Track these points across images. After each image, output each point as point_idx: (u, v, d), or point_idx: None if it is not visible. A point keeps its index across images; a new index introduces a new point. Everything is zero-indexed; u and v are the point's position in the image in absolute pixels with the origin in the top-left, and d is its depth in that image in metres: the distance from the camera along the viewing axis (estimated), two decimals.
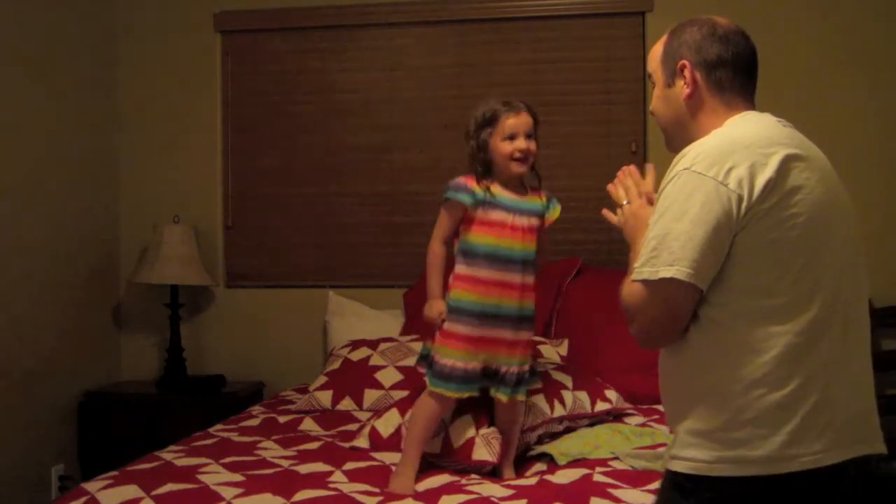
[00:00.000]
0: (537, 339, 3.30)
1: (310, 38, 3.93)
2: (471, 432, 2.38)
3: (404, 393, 2.82)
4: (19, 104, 3.30)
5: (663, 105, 1.68)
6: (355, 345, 3.34)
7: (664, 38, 1.68)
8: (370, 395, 3.09)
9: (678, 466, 1.47)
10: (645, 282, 1.46)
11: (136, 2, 3.97)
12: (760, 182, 1.41)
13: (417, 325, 3.51)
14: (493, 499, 2.04)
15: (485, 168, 2.38)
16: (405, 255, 3.83)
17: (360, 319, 3.69)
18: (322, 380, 3.21)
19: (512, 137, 2.35)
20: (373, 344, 3.31)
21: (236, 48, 3.97)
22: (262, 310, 3.92)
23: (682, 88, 1.62)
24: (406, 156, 3.87)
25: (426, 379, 2.33)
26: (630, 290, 1.51)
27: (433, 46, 3.87)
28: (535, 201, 2.44)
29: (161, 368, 3.84)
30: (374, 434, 2.57)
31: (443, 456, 2.38)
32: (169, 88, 3.96)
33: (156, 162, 3.96)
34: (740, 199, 1.40)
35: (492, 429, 2.40)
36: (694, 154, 1.46)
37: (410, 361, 3.15)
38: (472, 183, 2.37)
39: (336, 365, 3.26)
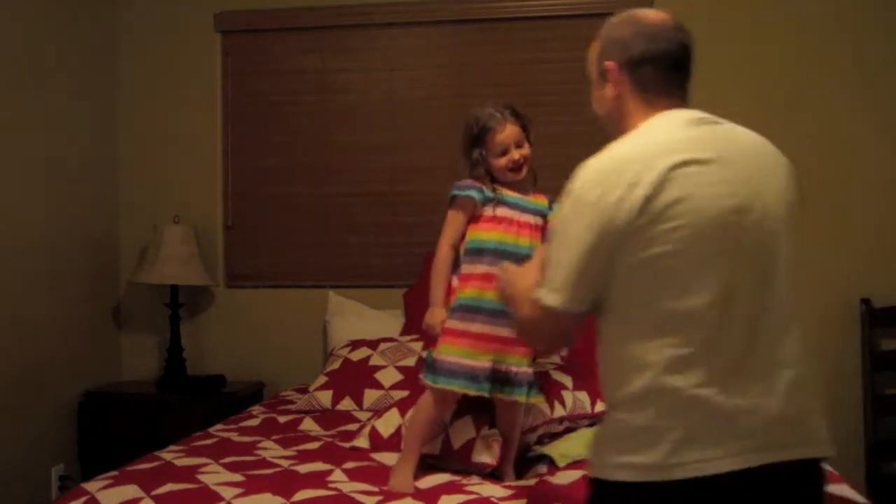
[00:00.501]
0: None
1: (310, 38, 3.93)
2: (471, 434, 2.38)
3: (404, 393, 2.83)
4: (19, 104, 3.30)
5: (597, 106, 1.68)
6: (355, 345, 3.34)
7: (597, 38, 1.69)
8: (370, 395, 3.09)
9: (588, 471, 1.51)
10: (532, 302, 1.52)
11: (136, 2, 3.97)
12: (636, 200, 1.40)
13: (418, 326, 3.52)
14: (492, 499, 2.04)
15: (487, 175, 2.43)
16: (405, 255, 3.83)
17: (360, 319, 3.69)
18: (322, 380, 3.21)
19: (504, 152, 2.39)
20: (373, 344, 3.31)
21: (236, 48, 3.97)
22: (262, 310, 3.92)
23: (609, 89, 1.62)
24: (406, 156, 3.87)
25: (427, 380, 2.33)
26: (522, 308, 1.57)
27: (433, 46, 3.87)
28: (539, 202, 2.46)
29: (161, 368, 3.84)
30: (374, 434, 2.57)
31: (442, 458, 2.38)
32: (169, 88, 3.96)
33: (156, 162, 3.96)
34: (614, 219, 1.41)
35: (492, 430, 2.40)
36: (580, 176, 1.50)
37: (410, 361, 3.16)
38: (478, 182, 2.41)
39: (336, 365, 3.26)
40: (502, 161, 2.39)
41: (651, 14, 1.62)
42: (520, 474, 2.38)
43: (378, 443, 2.54)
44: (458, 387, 2.29)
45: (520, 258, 2.29)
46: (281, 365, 3.85)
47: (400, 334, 3.51)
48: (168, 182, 3.95)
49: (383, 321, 3.65)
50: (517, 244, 2.35)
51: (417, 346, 3.24)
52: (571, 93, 3.76)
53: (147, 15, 3.97)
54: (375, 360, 3.20)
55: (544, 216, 2.44)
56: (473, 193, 2.38)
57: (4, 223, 3.20)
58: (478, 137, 2.42)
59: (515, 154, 2.38)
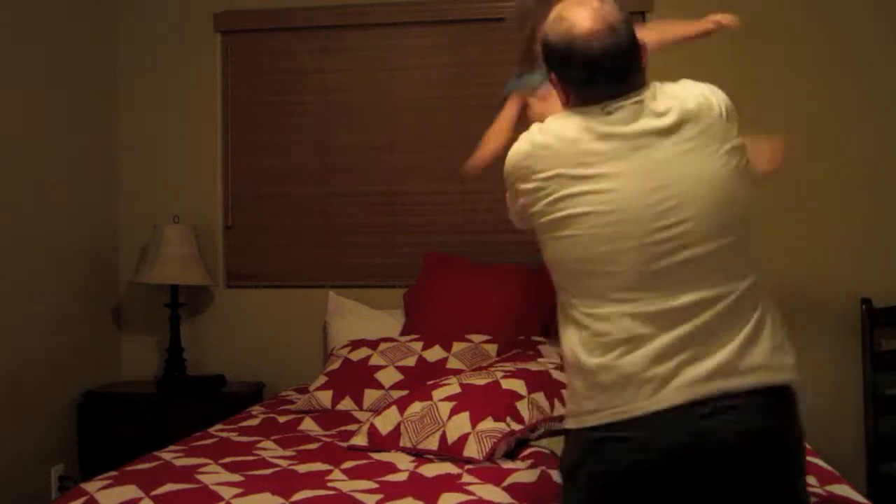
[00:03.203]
0: (537, 339, 3.31)
1: (310, 38, 3.93)
2: (466, 429, 2.41)
3: (404, 393, 2.83)
4: (19, 104, 3.30)
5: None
6: (355, 345, 3.34)
7: None
8: (370, 395, 3.09)
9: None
10: None
11: (136, 2, 3.98)
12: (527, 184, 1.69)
13: (418, 326, 3.53)
14: (493, 499, 2.04)
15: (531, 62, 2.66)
16: (405, 255, 3.84)
17: (360, 319, 3.69)
18: (322, 380, 3.21)
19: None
20: (373, 344, 3.31)
21: (236, 48, 3.98)
22: (262, 310, 3.92)
23: (562, 98, 1.73)
24: (406, 156, 3.87)
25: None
26: None
27: (433, 46, 3.87)
28: None
29: (161, 368, 3.85)
30: (372, 431, 2.57)
31: (440, 452, 2.41)
32: (169, 88, 3.96)
33: (156, 162, 3.96)
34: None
35: (488, 426, 2.41)
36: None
37: (411, 362, 3.16)
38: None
39: (336, 365, 3.26)
40: None
41: (578, 19, 1.66)
42: (518, 459, 2.40)
43: (376, 440, 2.55)
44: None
45: None
46: (281, 365, 3.85)
47: (400, 334, 3.51)
48: (168, 182, 3.95)
49: (383, 321, 3.66)
50: None
51: (418, 345, 3.24)
52: None
53: (147, 15, 3.97)
54: (375, 360, 3.20)
55: None
56: (519, 82, 2.72)
57: (4, 223, 3.21)
58: (525, 15, 2.63)
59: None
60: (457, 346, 3.21)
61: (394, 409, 2.61)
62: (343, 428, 2.84)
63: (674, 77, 1.76)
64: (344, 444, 2.60)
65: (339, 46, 3.92)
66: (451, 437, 2.41)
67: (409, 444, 2.48)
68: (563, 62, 1.65)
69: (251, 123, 3.97)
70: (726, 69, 3.51)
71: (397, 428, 2.53)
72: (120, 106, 3.97)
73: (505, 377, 2.66)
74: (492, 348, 3.21)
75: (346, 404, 3.09)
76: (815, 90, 3.58)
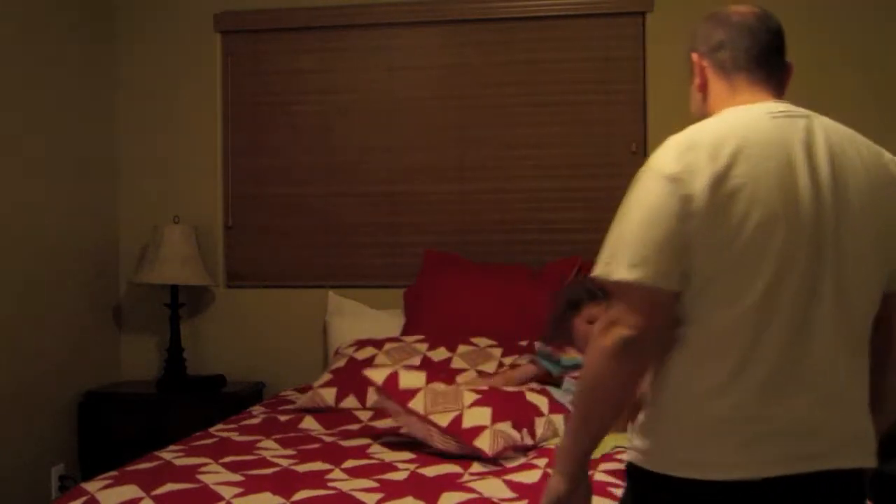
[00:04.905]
0: (539, 345, 3.30)
1: (310, 39, 3.93)
2: (485, 422, 2.42)
3: None
4: (19, 104, 3.30)
5: (692, 103, 1.67)
6: (361, 344, 3.34)
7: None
8: (374, 394, 3.08)
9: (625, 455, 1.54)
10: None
11: (136, 2, 3.98)
12: (705, 180, 1.37)
13: (418, 325, 3.53)
14: (493, 499, 2.04)
15: (566, 338, 2.86)
16: (405, 255, 3.83)
17: (360, 319, 3.69)
18: (326, 377, 3.21)
19: (591, 321, 2.70)
20: (378, 344, 3.31)
21: (236, 48, 3.97)
22: (262, 310, 3.92)
23: (695, 80, 1.62)
24: (406, 156, 3.87)
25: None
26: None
27: (433, 46, 3.87)
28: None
29: (161, 368, 3.84)
30: (391, 380, 2.58)
31: (449, 431, 2.41)
32: (169, 88, 3.96)
33: (156, 162, 3.96)
34: (689, 198, 1.37)
35: (505, 429, 2.42)
36: (656, 153, 1.46)
37: (415, 361, 3.17)
38: (557, 353, 2.85)
39: (341, 363, 3.26)
40: (588, 329, 2.69)
41: (739, 8, 1.62)
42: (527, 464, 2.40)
43: (391, 388, 2.55)
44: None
45: None
46: (281, 365, 3.85)
47: (401, 334, 3.51)
48: (168, 182, 3.95)
49: (383, 321, 3.66)
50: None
51: (423, 346, 3.25)
52: (571, 93, 3.77)
53: (147, 15, 3.97)
54: (381, 360, 3.20)
55: None
56: (551, 369, 2.84)
57: (4, 223, 3.20)
58: (573, 305, 2.85)
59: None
60: (462, 349, 3.22)
61: (422, 374, 2.63)
62: (344, 427, 2.84)
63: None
64: (344, 444, 2.60)
65: (339, 46, 3.92)
66: (467, 424, 2.41)
67: (419, 410, 2.48)
68: None
69: (251, 123, 3.97)
70: None
71: (417, 391, 2.53)
72: (120, 106, 3.97)
73: (531, 390, 2.71)
74: (496, 352, 3.21)
75: (350, 402, 3.09)
76: (817, 87, 3.57)
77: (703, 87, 1.60)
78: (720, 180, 1.37)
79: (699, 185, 1.37)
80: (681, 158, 1.40)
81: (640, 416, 1.50)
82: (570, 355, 2.82)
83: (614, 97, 3.74)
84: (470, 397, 2.53)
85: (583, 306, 2.82)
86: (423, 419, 2.47)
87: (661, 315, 1.41)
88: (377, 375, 2.62)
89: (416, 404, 2.49)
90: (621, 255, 1.42)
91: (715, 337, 1.41)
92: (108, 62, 3.93)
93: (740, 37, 1.57)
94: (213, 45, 3.97)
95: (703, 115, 1.58)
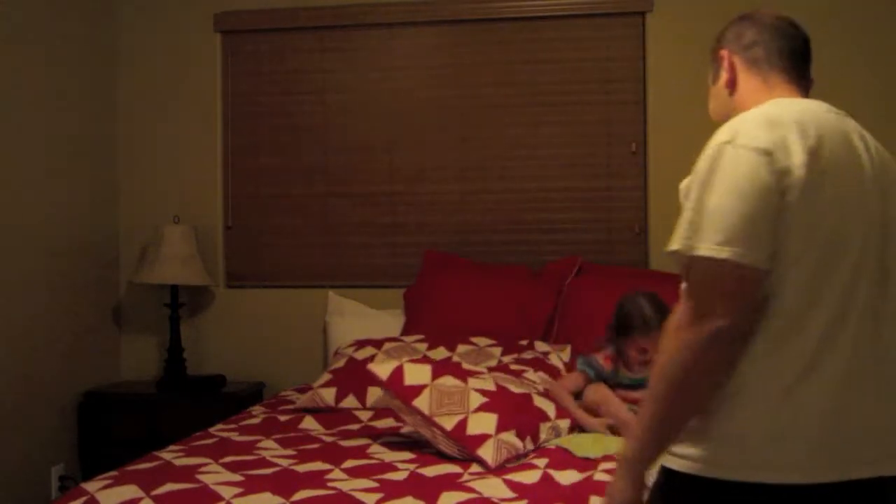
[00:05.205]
0: (539, 344, 3.30)
1: (309, 38, 3.93)
2: (489, 430, 2.41)
3: None
4: (19, 104, 3.30)
5: (713, 103, 1.63)
6: (360, 344, 3.34)
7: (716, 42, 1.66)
8: (373, 393, 3.08)
9: (666, 461, 1.42)
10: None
11: (136, 2, 3.98)
12: (801, 155, 1.31)
13: (418, 325, 3.53)
14: (493, 499, 2.04)
15: (619, 355, 2.80)
16: (405, 255, 3.84)
17: (360, 319, 3.69)
18: (326, 377, 3.21)
19: (642, 351, 2.70)
20: (378, 344, 3.31)
21: (236, 48, 3.97)
22: (262, 310, 3.92)
23: (723, 75, 1.59)
24: (406, 156, 3.87)
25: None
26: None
27: (433, 46, 3.87)
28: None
29: (161, 368, 3.84)
30: (397, 374, 2.56)
31: (452, 435, 2.40)
32: (169, 89, 3.96)
33: (156, 162, 3.96)
34: (786, 171, 1.30)
35: (509, 439, 2.41)
36: (732, 128, 1.37)
37: None
38: (606, 363, 2.80)
39: (341, 363, 3.26)
40: (637, 357, 2.72)
41: (768, 11, 1.61)
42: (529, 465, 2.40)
43: (395, 384, 2.53)
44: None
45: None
46: (281, 365, 3.85)
47: (401, 334, 3.51)
48: (168, 182, 3.95)
49: (383, 321, 3.66)
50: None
51: (422, 346, 3.24)
52: (571, 93, 3.77)
53: (147, 15, 3.97)
54: (380, 359, 3.20)
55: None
56: (588, 371, 2.80)
57: (4, 223, 3.21)
58: (625, 330, 2.74)
59: (650, 357, 2.63)
60: (461, 348, 3.22)
61: (428, 368, 2.61)
62: (344, 427, 2.84)
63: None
64: (344, 444, 2.60)
65: (339, 46, 3.92)
66: (472, 430, 2.40)
67: (424, 410, 2.47)
68: None
69: (251, 123, 3.97)
70: None
71: (422, 388, 2.52)
72: (120, 106, 3.97)
73: (539, 394, 2.71)
74: (496, 351, 3.21)
75: (350, 402, 3.09)
76: (820, 84, 3.57)
77: (732, 83, 1.57)
78: (814, 157, 1.32)
79: (796, 159, 1.31)
80: (771, 132, 1.33)
81: (692, 421, 1.37)
82: (607, 364, 2.81)
83: (614, 97, 3.74)
84: (476, 400, 2.51)
85: (634, 335, 2.70)
86: (428, 420, 2.46)
87: (753, 299, 1.30)
88: (382, 370, 2.60)
89: (421, 403, 2.48)
90: (709, 229, 1.30)
91: (794, 326, 1.31)
92: (109, 62, 3.92)
93: (773, 37, 1.55)
94: (213, 45, 3.97)
95: (728, 112, 1.54)
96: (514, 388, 2.66)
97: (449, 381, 2.56)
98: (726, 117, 1.50)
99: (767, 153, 1.30)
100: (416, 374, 2.57)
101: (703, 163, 1.37)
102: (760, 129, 1.33)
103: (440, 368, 2.64)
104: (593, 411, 2.70)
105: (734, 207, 1.29)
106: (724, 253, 1.28)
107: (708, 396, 1.34)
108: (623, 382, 2.75)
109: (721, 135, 1.38)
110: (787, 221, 1.30)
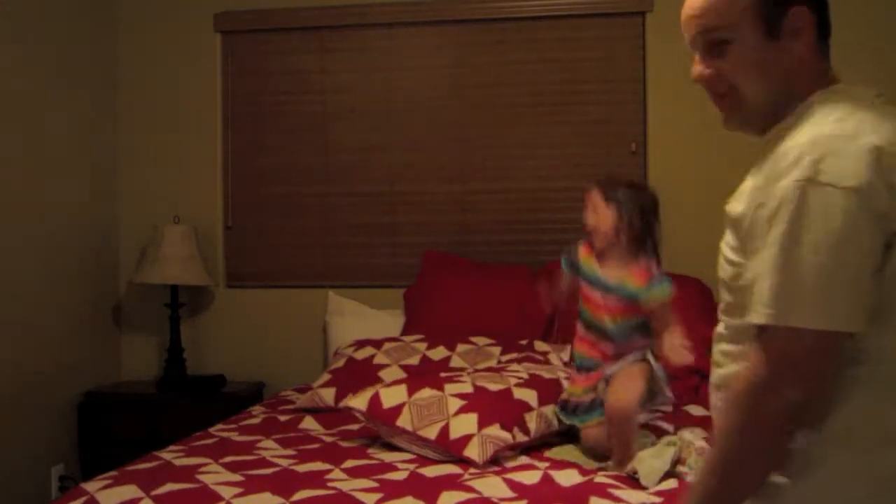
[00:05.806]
0: (538, 343, 3.30)
1: (310, 38, 3.93)
2: (471, 430, 2.40)
3: None
4: (19, 104, 3.30)
5: (753, 70, 1.27)
6: (360, 344, 3.34)
7: None
8: (361, 418, 3.08)
9: None
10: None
11: (136, 2, 3.98)
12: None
13: (418, 325, 3.53)
14: (493, 499, 2.04)
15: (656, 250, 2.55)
16: (405, 255, 3.84)
17: (360, 319, 3.69)
18: (326, 377, 3.21)
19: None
20: (377, 343, 3.31)
21: (236, 48, 3.97)
22: (262, 310, 3.92)
23: (793, 42, 1.26)
24: (406, 156, 3.87)
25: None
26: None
27: (433, 46, 3.87)
28: (626, 281, 2.48)
29: (161, 368, 3.84)
30: (375, 400, 2.56)
31: (438, 444, 2.41)
32: (169, 89, 3.96)
33: (156, 162, 3.96)
34: (886, 215, 1.11)
35: (494, 432, 2.41)
36: (813, 155, 1.12)
37: (414, 361, 3.17)
38: (583, 249, 2.59)
39: (340, 363, 3.26)
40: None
41: None
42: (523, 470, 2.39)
43: (376, 411, 2.54)
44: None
45: (608, 334, 2.49)
46: (281, 365, 3.85)
47: (401, 334, 3.51)
48: (168, 182, 3.95)
49: (383, 321, 3.66)
50: (600, 322, 2.50)
51: (422, 346, 3.24)
52: (571, 93, 3.77)
53: (147, 15, 3.97)
54: (380, 359, 3.20)
55: (631, 297, 2.46)
56: (563, 262, 2.60)
57: (4, 223, 3.20)
58: (653, 213, 2.54)
59: (589, 219, 2.51)
60: (461, 348, 3.22)
61: (403, 387, 2.61)
62: (344, 427, 2.84)
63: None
64: (344, 444, 2.60)
65: (339, 46, 3.92)
66: (454, 434, 2.41)
67: (408, 427, 2.48)
68: None
69: (251, 123, 3.97)
70: None
71: (401, 407, 2.52)
72: (120, 106, 3.97)
73: (518, 385, 2.68)
74: (495, 351, 3.21)
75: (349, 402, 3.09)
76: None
77: (807, 52, 1.26)
78: None
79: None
80: (868, 164, 1.10)
81: (771, 477, 1.20)
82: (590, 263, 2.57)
83: (614, 97, 3.74)
84: (455, 404, 2.51)
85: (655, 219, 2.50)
86: (413, 435, 2.47)
87: (835, 365, 1.14)
88: (359, 402, 2.59)
89: (404, 421, 2.49)
90: (800, 295, 1.11)
91: (893, 375, 1.16)
92: (109, 62, 3.93)
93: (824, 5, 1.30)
94: (213, 45, 3.97)
95: (782, 93, 1.28)
96: (492, 386, 2.64)
97: (425, 392, 2.56)
98: (773, 96, 1.26)
99: (860, 192, 1.09)
100: (393, 395, 2.57)
101: (776, 202, 1.14)
102: (853, 160, 1.10)
103: (415, 383, 2.63)
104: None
105: (829, 265, 1.10)
106: (823, 322, 1.11)
107: (773, 470, 1.20)
108: (588, 277, 2.54)
109: (795, 167, 1.13)
110: (887, 270, 1.12)
